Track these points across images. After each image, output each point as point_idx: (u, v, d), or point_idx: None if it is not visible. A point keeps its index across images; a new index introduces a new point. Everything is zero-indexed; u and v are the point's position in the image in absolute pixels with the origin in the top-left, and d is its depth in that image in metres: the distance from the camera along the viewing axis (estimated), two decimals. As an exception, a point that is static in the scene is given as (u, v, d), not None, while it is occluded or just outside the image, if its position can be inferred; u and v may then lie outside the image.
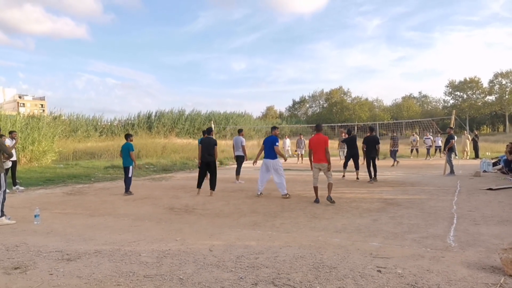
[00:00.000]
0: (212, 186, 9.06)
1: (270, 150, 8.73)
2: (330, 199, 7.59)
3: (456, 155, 12.93)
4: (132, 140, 9.67)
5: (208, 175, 9.41)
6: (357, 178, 11.80)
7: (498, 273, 3.53)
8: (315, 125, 9.35)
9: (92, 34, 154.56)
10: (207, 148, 9.09)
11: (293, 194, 8.94)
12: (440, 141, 21.62)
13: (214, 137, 9.52)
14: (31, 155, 16.11)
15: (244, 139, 11.97)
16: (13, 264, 3.97)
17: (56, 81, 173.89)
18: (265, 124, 50.35)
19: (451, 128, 13.02)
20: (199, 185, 9.25)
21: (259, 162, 9.37)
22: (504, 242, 4.57)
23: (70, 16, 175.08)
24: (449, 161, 12.66)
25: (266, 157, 8.84)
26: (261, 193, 8.88)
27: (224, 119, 45.02)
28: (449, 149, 12.61)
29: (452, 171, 12.56)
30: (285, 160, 9.62)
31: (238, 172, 11.70)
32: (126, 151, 9.38)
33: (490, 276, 3.48)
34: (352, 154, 12.28)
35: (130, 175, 9.38)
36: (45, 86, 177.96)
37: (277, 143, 8.76)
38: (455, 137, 12.92)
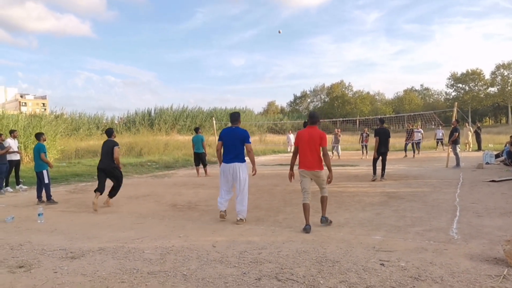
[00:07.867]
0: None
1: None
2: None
3: (459, 148, 12.84)
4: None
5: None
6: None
7: (502, 265, 3.53)
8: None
9: (95, 31, 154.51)
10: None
11: (295, 189, 8.93)
12: (441, 134, 21.58)
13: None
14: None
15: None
16: (17, 263, 3.99)
17: (55, 80, 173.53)
18: (266, 119, 50.27)
19: (456, 120, 12.98)
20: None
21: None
22: (507, 233, 4.57)
23: (73, 13, 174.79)
24: (455, 153, 12.59)
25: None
26: None
27: (225, 115, 44.92)
28: (454, 142, 12.56)
29: (458, 164, 12.48)
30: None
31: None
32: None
33: (493, 267, 3.48)
34: None
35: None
36: (44, 85, 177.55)
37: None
38: (459, 130, 12.87)
